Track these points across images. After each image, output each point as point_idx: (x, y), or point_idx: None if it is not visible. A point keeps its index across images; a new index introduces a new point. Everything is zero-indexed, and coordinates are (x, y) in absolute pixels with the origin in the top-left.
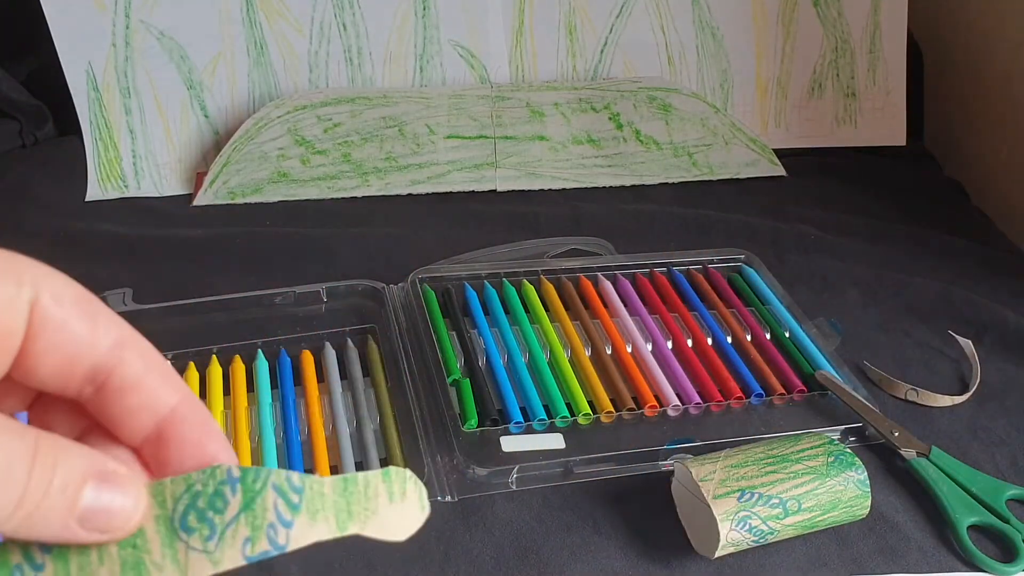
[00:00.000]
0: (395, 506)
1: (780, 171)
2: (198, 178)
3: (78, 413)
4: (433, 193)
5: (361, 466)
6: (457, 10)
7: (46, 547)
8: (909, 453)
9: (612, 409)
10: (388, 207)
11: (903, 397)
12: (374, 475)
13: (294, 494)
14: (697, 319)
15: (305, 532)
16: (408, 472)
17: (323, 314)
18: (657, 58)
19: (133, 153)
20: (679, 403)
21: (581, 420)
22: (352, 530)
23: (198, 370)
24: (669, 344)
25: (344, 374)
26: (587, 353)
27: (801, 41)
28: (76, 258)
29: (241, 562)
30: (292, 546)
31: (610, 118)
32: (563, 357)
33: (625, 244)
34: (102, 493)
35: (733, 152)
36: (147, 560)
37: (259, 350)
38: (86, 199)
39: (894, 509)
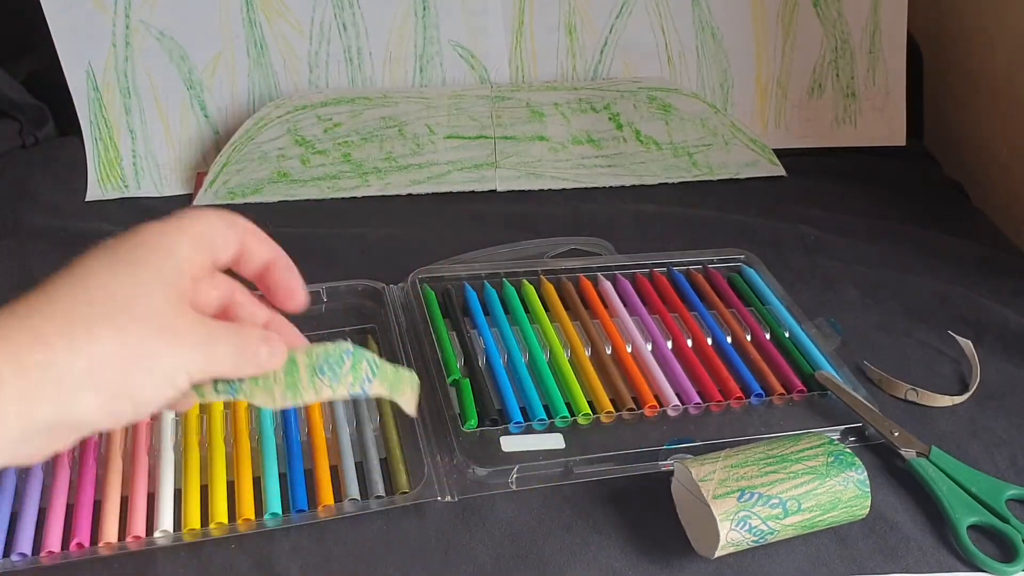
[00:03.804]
0: (412, 394)
1: (780, 171)
2: (198, 178)
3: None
4: (433, 193)
5: (361, 466)
6: (457, 10)
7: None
8: (909, 453)
9: (612, 409)
10: (388, 207)
11: (903, 397)
12: (408, 372)
13: (375, 367)
14: (697, 319)
15: (375, 388)
16: (415, 378)
17: (323, 314)
18: (657, 58)
19: (133, 153)
20: (679, 403)
21: (581, 420)
22: (393, 397)
23: None
24: (669, 344)
25: None
26: (587, 353)
27: (801, 41)
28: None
29: (346, 395)
30: (371, 393)
31: (610, 118)
32: (563, 357)
33: (625, 244)
34: (269, 346)
35: (733, 152)
36: (299, 384)
37: None
38: (86, 199)
39: (894, 509)
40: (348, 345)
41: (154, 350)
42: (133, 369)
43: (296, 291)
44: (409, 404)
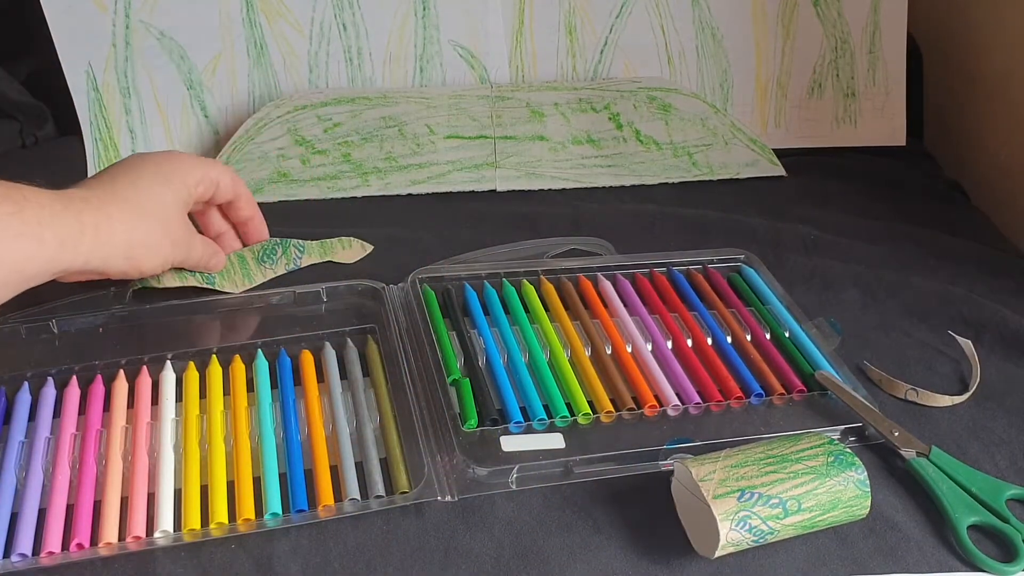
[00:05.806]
0: (346, 251)
1: (780, 171)
2: None
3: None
4: (433, 193)
5: (361, 466)
6: (457, 10)
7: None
8: (909, 453)
9: (612, 409)
10: (388, 207)
11: (903, 397)
12: (339, 240)
13: (301, 248)
14: (697, 319)
15: (305, 262)
16: (354, 239)
17: (323, 314)
18: (657, 58)
19: (133, 153)
20: (679, 403)
21: (581, 420)
22: (328, 258)
23: (198, 370)
24: (669, 344)
25: (344, 374)
26: (587, 353)
27: (801, 41)
28: None
29: (283, 272)
30: (303, 265)
31: (610, 118)
32: (563, 357)
33: (625, 244)
34: (218, 258)
35: (733, 152)
36: (251, 272)
37: (259, 350)
38: None
39: (894, 509)
40: (277, 239)
41: (157, 240)
42: (141, 247)
43: (255, 239)
44: (347, 258)
